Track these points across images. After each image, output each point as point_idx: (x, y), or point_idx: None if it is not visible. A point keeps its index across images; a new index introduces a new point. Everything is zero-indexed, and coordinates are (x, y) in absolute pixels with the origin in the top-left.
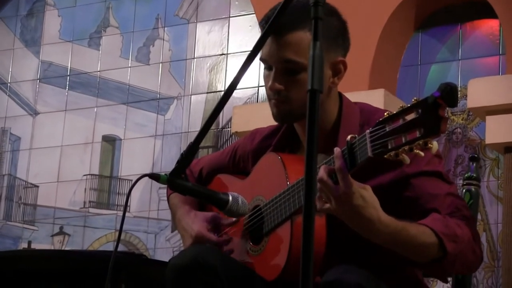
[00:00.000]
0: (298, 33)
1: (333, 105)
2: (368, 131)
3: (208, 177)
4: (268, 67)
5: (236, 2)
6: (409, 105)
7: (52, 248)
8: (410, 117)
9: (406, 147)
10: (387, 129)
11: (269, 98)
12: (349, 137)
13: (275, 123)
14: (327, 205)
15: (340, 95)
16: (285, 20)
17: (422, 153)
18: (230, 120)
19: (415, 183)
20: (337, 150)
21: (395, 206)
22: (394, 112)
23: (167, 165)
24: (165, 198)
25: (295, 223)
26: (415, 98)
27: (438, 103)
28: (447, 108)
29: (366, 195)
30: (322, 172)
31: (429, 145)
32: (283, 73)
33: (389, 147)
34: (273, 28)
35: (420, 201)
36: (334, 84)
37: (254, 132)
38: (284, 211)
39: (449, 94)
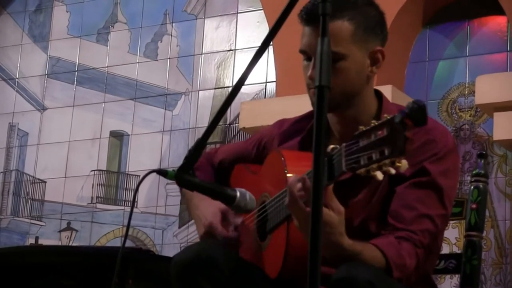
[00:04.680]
0: (336, 23)
1: (371, 97)
2: (344, 144)
3: (229, 167)
4: (307, 58)
5: None
6: (379, 122)
7: (60, 243)
8: (380, 134)
9: (375, 165)
10: (360, 144)
11: (309, 87)
12: (330, 147)
13: (283, 118)
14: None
15: (378, 92)
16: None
17: (393, 171)
18: (238, 115)
19: (412, 188)
20: (292, 180)
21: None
22: (367, 128)
23: (174, 161)
24: (173, 194)
25: (291, 224)
26: (385, 115)
27: (405, 123)
28: (456, 104)
29: (334, 221)
30: (292, 195)
31: (397, 164)
32: None
33: (361, 163)
34: (313, 18)
35: (401, 202)
36: (373, 73)
37: (282, 121)
38: (282, 211)
39: (416, 113)
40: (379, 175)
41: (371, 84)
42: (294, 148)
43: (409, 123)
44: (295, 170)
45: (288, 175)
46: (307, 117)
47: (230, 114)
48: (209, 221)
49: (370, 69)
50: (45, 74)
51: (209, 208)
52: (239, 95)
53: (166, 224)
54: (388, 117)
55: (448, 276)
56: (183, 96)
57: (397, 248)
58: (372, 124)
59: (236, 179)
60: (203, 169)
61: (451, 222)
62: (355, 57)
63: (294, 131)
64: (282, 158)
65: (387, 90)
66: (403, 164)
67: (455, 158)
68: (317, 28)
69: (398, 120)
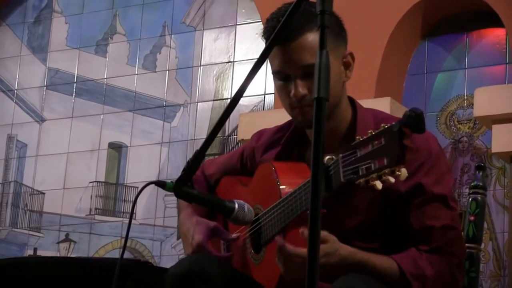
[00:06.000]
0: (307, 36)
1: (347, 104)
2: (341, 155)
3: (217, 181)
4: (283, 78)
5: (243, 10)
6: (377, 131)
7: (58, 255)
8: (378, 144)
9: (375, 175)
10: (358, 154)
11: (292, 107)
12: (326, 158)
13: (262, 129)
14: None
15: (350, 98)
16: (290, 27)
17: (392, 180)
18: (236, 127)
19: (419, 209)
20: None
21: (405, 213)
22: (365, 138)
23: (173, 173)
24: (171, 206)
25: (287, 236)
26: (383, 124)
27: (403, 131)
28: (454, 117)
29: (329, 251)
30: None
31: (397, 172)
32: (303, 78)
33: (360, 173)
34: (280, 38)
35: (415, 229)
36: (347, 77)
37: (260, 132)
38: (277, 224)
39: (414, 121)
40: (378, 185)
41: (345, 91)
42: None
43: (407, 132)
44: (287, 182)
45: (281, 186)
46: (283, 128)
47: (228, 126)
48: (196, 240)
49: (345, 74)
50: (44, 86)
51: (196, 227)
52: (237, 107)
53: (164, 236)
54: (386, 126)
55: None
56: (182, 108)
57: (414, 259)
58: (369, 134)
59: (226, 190)
60: (199, 182)
61: None
62: (332, 66)
63: (273, 142)
64: (274, 170)
65: (385, 102)
66: (403, 172)
67: (444, 161)
68: (289, 45)
69: (396, 129)
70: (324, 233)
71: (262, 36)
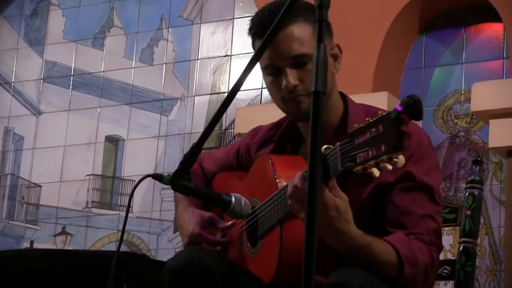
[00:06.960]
0: (293, 26)
1: (338, 97)
2: (338, 143)
3: (213, 176)
4: (273, 72)
5: (240, 4)
6: (375, 118)
7: (55, 248)
8: (376, 131)
9: (372, 162)
10: (356, 142)
11: (285, 100)
12: (323, 147)
13: (258, 126)
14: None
15: (341, 93)
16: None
17: (390, 167)
18: (233, 121)
19: (404, 193)
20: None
21: (379, 205)
22: (362, 125)
23: (170, 166)
24: (168, 199)
25: (284, 229)
26: (380, 112)
27: (401, 118)
28: (451, 111)
29: (341, 207)
30: (297, 179)
31: (395, 159)
32: (293, 68)
33: (358, 161)
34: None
35: (397, 211)
36: (337, 69)
37: (256, 129)
38: (274, 215)
39: (412, 107)
40: (376, 172)
41: (336, 84)
42: None
43: (405, 118)
44: (285, 175)
45: (278, 179)
46: (277, 125)
47: (225, 119)
48: (190, 230)
49: (334, 65)
50: (41, 79)
51: (191, 218)
52: (234, 100)
53: (161, 229)
54: (384, 113)
55: (442, 283)
56: (179, 101)
57: (408, 243)
58: (367, 121)
59: (223, 184)
60: (196, 175)
61: (446, 228)
62: None
63: (267, 139)
64: (271, 163)
65: (383, 97)
66: (401, 159)
67: (433, 157)
68: (277, 37)
69: (394, 116)
70: (346, 197)
71: (249, 32)
